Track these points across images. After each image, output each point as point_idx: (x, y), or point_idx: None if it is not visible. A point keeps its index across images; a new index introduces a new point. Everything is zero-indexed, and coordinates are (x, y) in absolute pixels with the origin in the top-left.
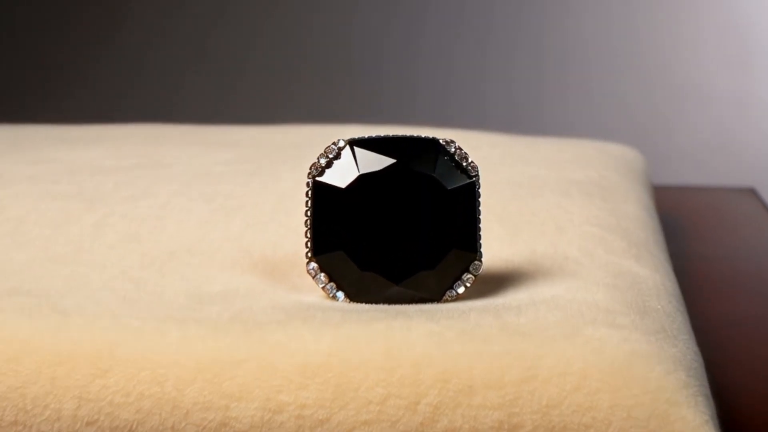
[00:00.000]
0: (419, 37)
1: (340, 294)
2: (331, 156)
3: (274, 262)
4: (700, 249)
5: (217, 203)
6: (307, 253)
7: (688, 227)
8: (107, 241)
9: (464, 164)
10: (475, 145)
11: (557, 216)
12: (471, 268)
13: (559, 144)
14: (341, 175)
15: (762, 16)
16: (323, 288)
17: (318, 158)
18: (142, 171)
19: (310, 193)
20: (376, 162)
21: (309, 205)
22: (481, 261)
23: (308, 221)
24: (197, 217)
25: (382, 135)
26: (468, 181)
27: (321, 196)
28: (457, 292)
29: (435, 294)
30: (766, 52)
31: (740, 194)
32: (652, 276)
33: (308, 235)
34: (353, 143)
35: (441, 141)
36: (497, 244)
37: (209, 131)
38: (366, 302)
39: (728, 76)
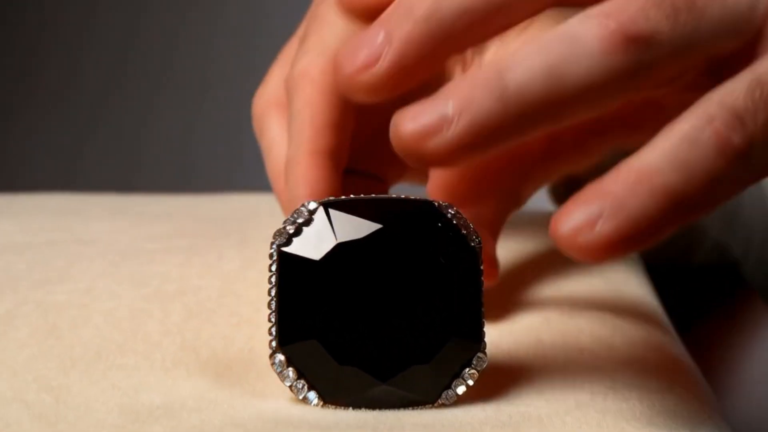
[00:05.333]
0: None
1: (312, 395)
2: (300, 221)
3: (226, 360)
4: (700, 352)
5: (152, 288)
6: (271, 342)
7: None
8: (19, 338)
9: (464, 232)
10: None
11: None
12: (474, 363)
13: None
14: (314, 244)
15: None
16: (291, 387)
17: (284, 224)
18: (60, 248)
19: (275, 266)
20: (357, 228)
21: (273, 281)
22: (485, 353)
23: (272, 302)
24: (128, 305)
25: (363, 196)
26: (469, 253)
27: (289, 270)
28: (456, 392)
29: (429, 395)
30: None
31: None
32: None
33: (272, 320)
34: (328, 205)
35: (436, 204)
36: (495, 331)
37: (135, 201)
38: (344, 405)
39: None
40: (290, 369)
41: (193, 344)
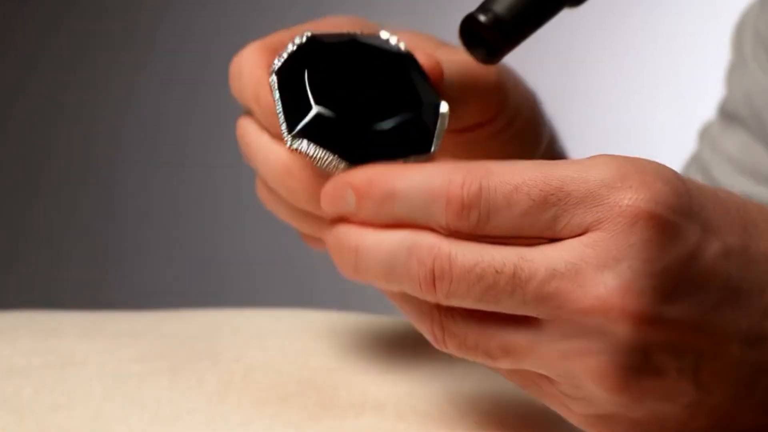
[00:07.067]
0: None
1: (336, 159)
2: (288, 50)
3: None
4: None
5: (150, 412)
6: (286, 139)
7: None
8: None
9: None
10: None
11: None
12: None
13: None
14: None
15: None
16: (316, 158)
17: (276, 60)
18: (58, 372)
19: (275, 87)
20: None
21: (277, 98)
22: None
23: (280, 115)
24: (136, 429)
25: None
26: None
27: (282, 80)
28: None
29: (422, 143)
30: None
31: None
32: None
33: (283, 126)
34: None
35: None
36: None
37: (105, 319)
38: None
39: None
40: (311, 145)
41: None
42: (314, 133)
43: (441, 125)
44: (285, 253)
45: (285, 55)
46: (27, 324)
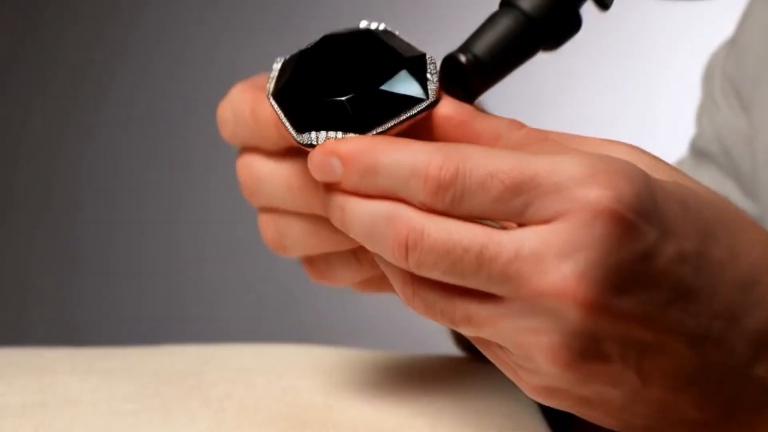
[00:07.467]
0: None
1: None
2: (273, 73)
3: None
4: None
5: None
6: (294, 136)
7: None
8: None
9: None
10: None
11: None
12: (430, 65)
13: None
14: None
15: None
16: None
17: (267, 84)
18: (54, 411)
19: (276, 108)
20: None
21: (281, 117)
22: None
23: (286, 125)
24: None
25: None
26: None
27: (281, 98)
28: (434, 86)
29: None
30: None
31: None
32: None
33: (291, 131)
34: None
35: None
36: None
37: (93, 356)
38: (372, 121)
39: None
40: (320, 133)
41: None
42: (320, 122)
43: (434, 71)
44: (249, 286)
45: (276, 69)
46: (18, 361)
